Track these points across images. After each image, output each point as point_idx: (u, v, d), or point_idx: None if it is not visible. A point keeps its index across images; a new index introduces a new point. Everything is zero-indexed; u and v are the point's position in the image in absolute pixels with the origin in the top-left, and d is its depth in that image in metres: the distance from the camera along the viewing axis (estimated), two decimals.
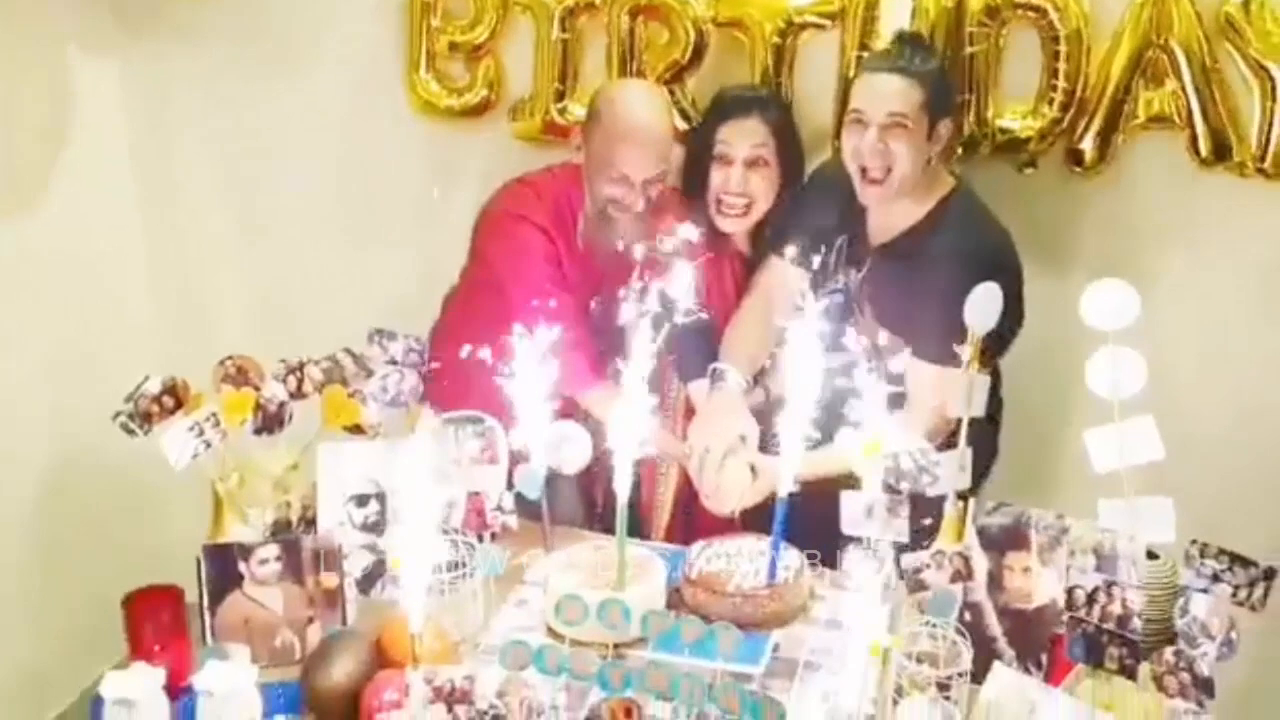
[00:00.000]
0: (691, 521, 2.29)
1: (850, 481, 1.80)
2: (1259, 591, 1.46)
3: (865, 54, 2.30)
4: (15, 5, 2.38)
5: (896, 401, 1.79)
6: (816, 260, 2.11)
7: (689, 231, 1.86)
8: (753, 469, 2.09)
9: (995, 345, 1.94)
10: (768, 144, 2.27)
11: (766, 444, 2.08)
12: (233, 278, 2.85)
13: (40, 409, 2.59)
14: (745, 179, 2.28)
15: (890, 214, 2.15)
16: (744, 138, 2.26)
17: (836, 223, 2.19)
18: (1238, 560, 1.47)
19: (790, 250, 2.12)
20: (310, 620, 1.81)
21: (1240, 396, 2.28)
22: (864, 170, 2.10)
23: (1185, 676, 1.46)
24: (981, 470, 1.98)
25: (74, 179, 2.61)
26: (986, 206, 2.16)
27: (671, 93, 2.45)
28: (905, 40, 2.17)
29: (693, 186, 2.34)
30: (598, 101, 2.28)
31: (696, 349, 2.24)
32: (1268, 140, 2.19)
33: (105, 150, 2.70)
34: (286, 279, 2.79)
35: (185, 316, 2.79)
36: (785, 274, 2.21)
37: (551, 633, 1.78)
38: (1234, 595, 1.47)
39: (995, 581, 1.75)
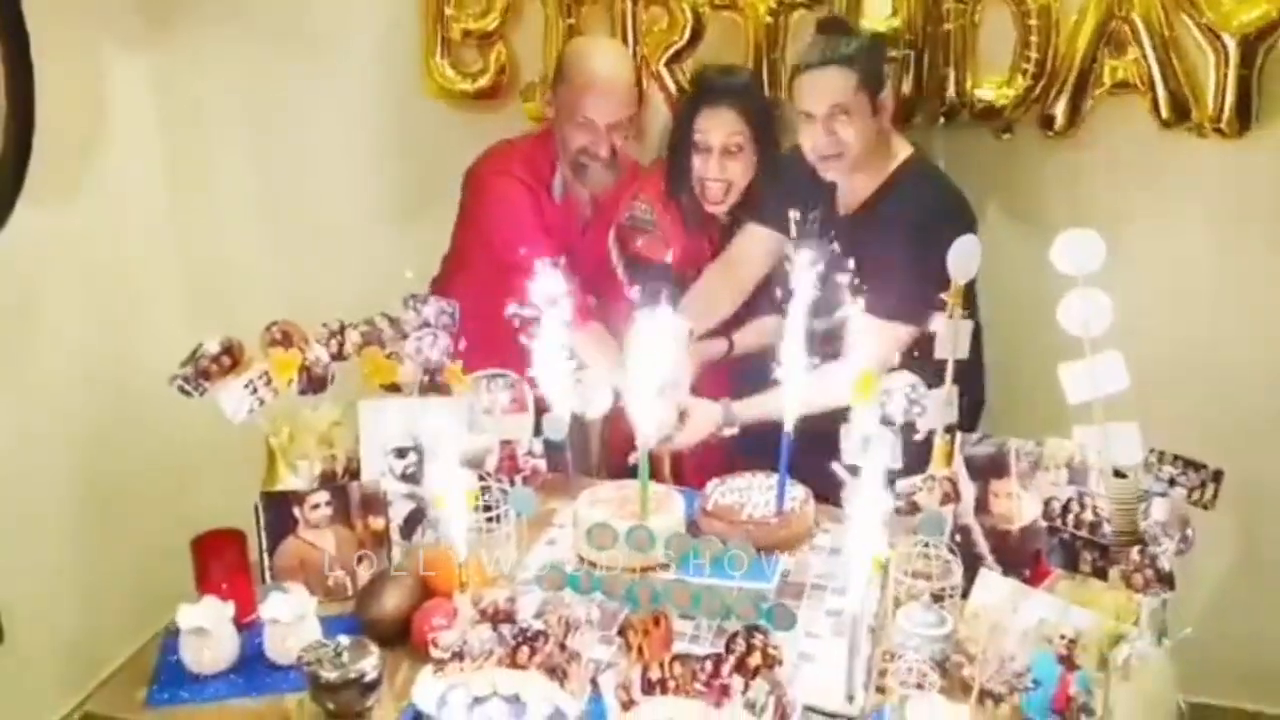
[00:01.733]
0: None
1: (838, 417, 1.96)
2: (1209, 492, 1.65)
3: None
4: (52, 5, 2.52)
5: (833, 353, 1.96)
6: (793, 227, 2.28)
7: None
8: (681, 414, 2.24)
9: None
10: (742, 132, 2.41)
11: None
12: (259, 258, 3.02)
13: (78, 385, 2.77)
14: (722, 165, 2.43)
15: (853, 186, 2.33)
16: (720, 127, 2.41)
17: (808, 195, 2.36)
18: (1190, 465, 1.66)
19: (766, 218, 2.33)
20: (360, 560, 1.97)
21: (1197, 328, 2.47)
22: (822, 156, 2.28)
23: (1150, 573, 1.64)
24: (972, 415, 2.17)
25: (109, 168, 2.79)
26: (941, 171, 2.33)
27: (671, 72, 2.63)
28: (826, 28, 2.33)
29: (677, 169, 2.50)
30: (562, 58, 2.49)
31: (663, 297, 2.37)
32: (1222, 102, 2.36)
33: (137, 139, 2.88)
34: (311, 258, 2.95)
35: (214, 296, 2.97)
36: (762, 239, 2.39)
37: (582, 561, 1.96)
38: (1188, 497, 1.65)
39: (982, 506, 1.92)
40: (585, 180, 2.48)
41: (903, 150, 2.33)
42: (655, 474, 2.37)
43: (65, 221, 2.68)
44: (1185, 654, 1.64)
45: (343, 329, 2.11)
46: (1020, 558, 1.88)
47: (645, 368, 1.89)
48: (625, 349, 2.31)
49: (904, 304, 2.03)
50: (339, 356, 2.11)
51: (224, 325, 2.04)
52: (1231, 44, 2.33)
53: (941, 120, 2.54)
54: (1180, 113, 2.41)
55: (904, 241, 2.04)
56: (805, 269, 1.90)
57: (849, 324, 1.87)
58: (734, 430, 2.27)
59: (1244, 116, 2.37)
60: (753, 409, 2.21)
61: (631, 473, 2.05)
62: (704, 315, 2.41)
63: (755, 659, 1.61)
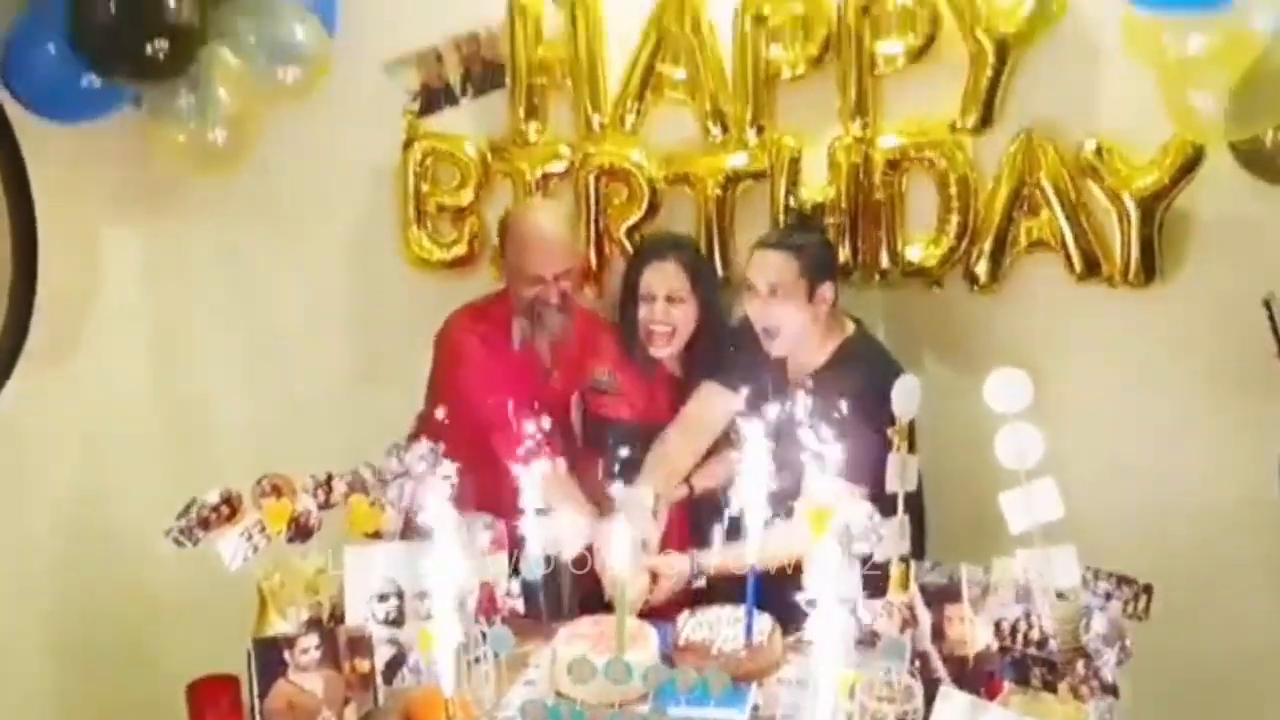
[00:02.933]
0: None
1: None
2: (1142, 604, 1.80)
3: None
4: (59, 186, 2.73)
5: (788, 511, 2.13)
6: (746, 390, 2.48)
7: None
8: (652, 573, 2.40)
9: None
10: (683, 283, 2.66)
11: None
12: (240, 421, 3.14)
13: (65, 541, 2.85)
14: (666, 311, 2.66)
15: (799, 358, 2.56)
16: (662, 280, 2.66)
17: (763, 360, 2.58)
18: (1124, 580, 1.82)
19: (723, 378, 2.57)
20: (347, 701, 2.04)
21: (1117, 458, 2.67)
22: (761, 328, 2.53)
23: (1095, 683, 1.78)
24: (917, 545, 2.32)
25: (100, 335, 2.94)
26: (877, 345, 2.57)
27: (630, 239, 2.86)
28: (792, 219, 2.68)
29: (625, 320, 2.73)
30: (506, 223, 2.74)
31: (632, 455, 2.54)
32: (1128, 257, 2.62)
33: (128, 308, 3.04)
34: (289, 421, 3.06)
35: (196, 456, 3.05)
36: (719, 398, 2.60)
37: (561, 696, 2.04)
38: (1124, 609, 1.80)
39: (938, 632, 2.04)
40: (542, 328, 2.69)
41: (848, 327, 2.58)
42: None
43: (58, 383, 2.81)
44: None
45: (329, 480, 2.23)
46: (975, 680, 1.98)
47: (620, 536, 2.05)
48: (587, 495, 2.53)
49: (855, 469, 2.15)
50: (326, 506, 2.22)
51: (205, 484, 2.13)
52: (1132, 205, 2.59)
53: (877, 278, 2.78)
54: (1091, 267, 2.65)
55: (851, 411, 2.22)
56: (756, 438, 2.08)
57: (810, 486, 2.03)
58: (702, 582, 2.42)
59: (1149, 270, 2.62)
60: (718, 558, 2.35)
61: (604, 607, 2.17)
62: (668, 478, 2.59)
63: None
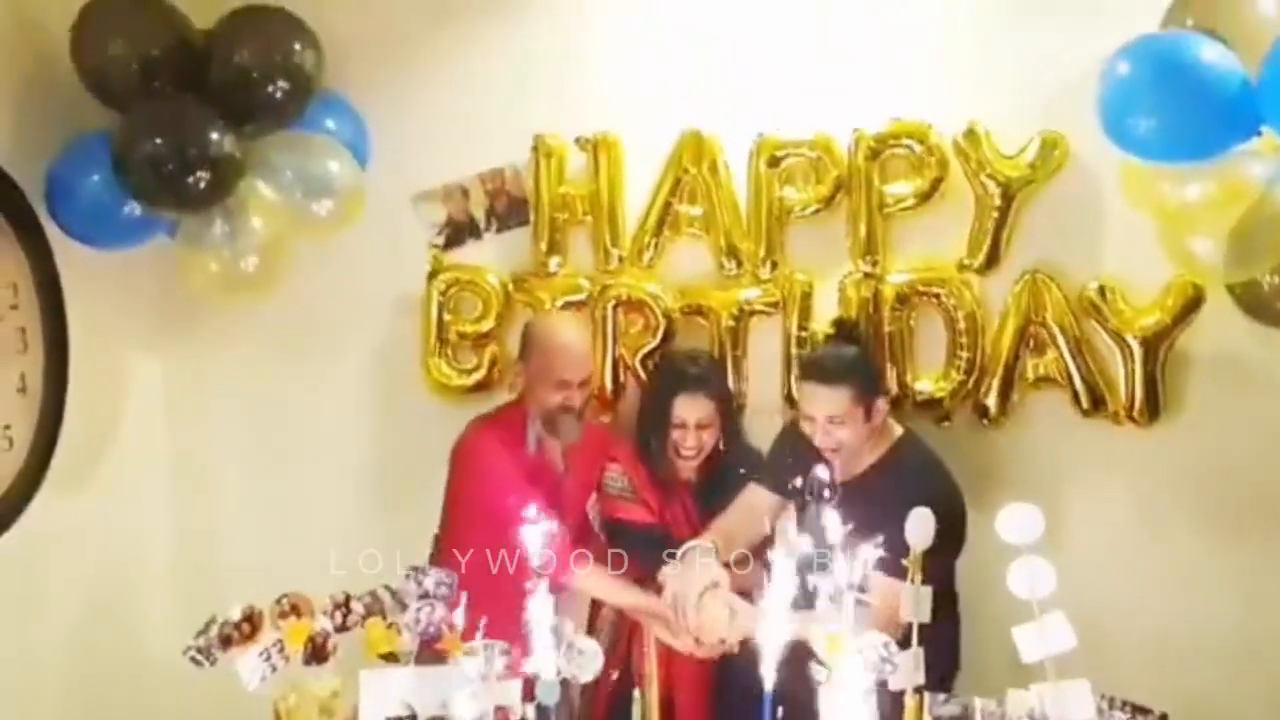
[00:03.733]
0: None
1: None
2: None
3: (801, 350, 2.83)
4: (91, 311, 2.81)
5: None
6: (793, 493, 2.51)
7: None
8: (730, 609, 2.44)
9: (949, 551, 2.35)
10: (711, 412, 2.76)
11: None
12: (255, 548, 3.14)
13: (77, 668, 2.84)
14: (698, 437, 2.76)
15: (849, 461, 2.58)
16: (694, 411, 2.75)
17: (807, 465, 2.60)
18: (1139, 710, 1.82)
19: (770, 482, 2.63)
20: None
21: (1125, 586, 2.70)
22: (824, 449, 2.56)
23: None
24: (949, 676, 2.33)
25: (119, 462, 2.99)
26: (929, 447, 2.61)
27: (644, 365, 2.94)
28: (838, 330, 2.72)
29: (648, 440, 2.81)
30: (528, 334, 2.83)
31: (657, 554, 2.66)
32: (1133, 394, 2.69)
33: (148, 435, 3.10)
34: (305, 552, 2.99)
35: (208, 585, 3.05)
36: (765, 499, 2.64)
37: None
38: None
39: None
40: (559, 432, 2.75)
41: (896, 430, 2.62)
42: None
43: (79, 507, 2.84)
44: None
45: (348, 600, 2.24)
46: None
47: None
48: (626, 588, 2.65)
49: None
50: (343, 628, 2.22)
51: (222, 608, 2.13)
52: (1135, 344, 2.68)
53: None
54: (1097, 404, 2.72)
55: (900, 507, 2.26)
56: (791, 534, 2.12)
57: (869, 581, 2.05)
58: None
59: (1152, 407, 2.69)
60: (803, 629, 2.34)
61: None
62: (723, 547, 2.61)
63: None
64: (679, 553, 2.60)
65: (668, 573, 2.61)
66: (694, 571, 2.54)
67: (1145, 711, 1.82)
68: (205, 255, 2.79)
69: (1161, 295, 2.67)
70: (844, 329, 2.74)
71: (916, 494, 2.42)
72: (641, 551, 2.75)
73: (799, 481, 2.54)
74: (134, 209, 2.68)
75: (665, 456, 2.80)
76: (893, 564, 2.24)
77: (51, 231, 2.68)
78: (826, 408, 2.53)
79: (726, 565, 2.63)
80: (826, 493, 2.49)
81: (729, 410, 2.82)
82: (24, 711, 2.68)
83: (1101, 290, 2.70)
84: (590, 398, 2.80)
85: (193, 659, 2.10)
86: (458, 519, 2.80)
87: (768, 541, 2.63)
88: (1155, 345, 2.67)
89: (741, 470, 2.78)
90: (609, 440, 2.92)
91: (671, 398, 2.76)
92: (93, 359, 2.83)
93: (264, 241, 2.79)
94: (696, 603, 2.50)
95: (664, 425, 2.77)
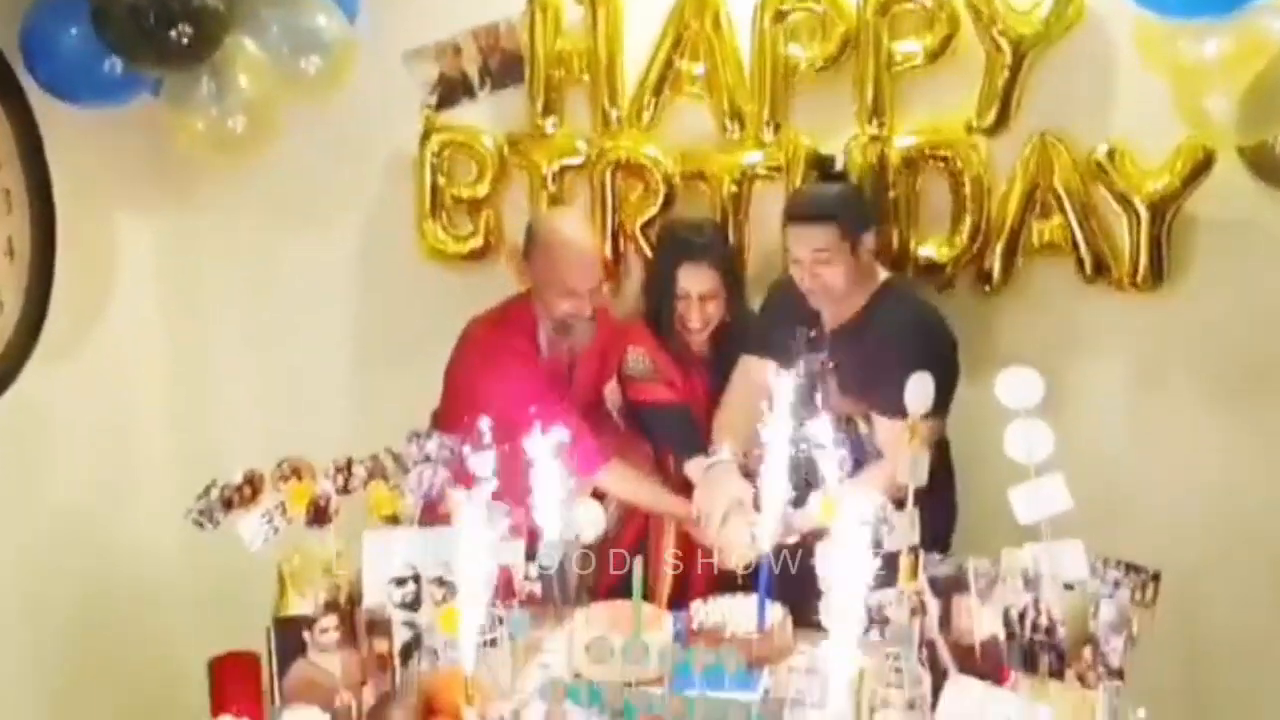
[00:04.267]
0: (688, 586, 2.62)
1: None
2: (1150, 592, 1.83)
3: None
4: (76, 176, 2.76)
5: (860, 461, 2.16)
6: (784, 351, 2.51)
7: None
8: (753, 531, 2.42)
9: (944, 390, 2.34)
10: (716, 283, 2.70)
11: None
12: (251, 409, 3.16)
13: (76, 529, 2.87)
14: (702, 308, 2.71)
15: (838, 307, 2.58)
16: (698, 282, 2.69)
17: (797, 320, 2.61)
18: (1132, 568, 1.85)
19: (757, 350, 2.59)
20: (364, 682, 2.07)
21: (1124, 452, 2.74)
22: (809, 290, 2.55)
23: (1101, 669, 1.82)
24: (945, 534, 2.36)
25: (113, 327, 2.97)
26: (915, 290, 2.60)
27: (645, 235, 2.89)
28: (821, 175, 2.65)
29: (657, 313, 2.76)
30: (534, 232, 2.70)
31: (684, 433, 2.65)
32: (1137, 260, 2.67)
33: (141, 299, 3.07)
34: (300, 415, 3.08)
35: (204, 449, 3.07)
36: (760, 368, 2.61)
37: (578, 677, 2.07)
38: (1132, 597, 1.84)
39: (945, 622, 2.07)
40: (570, 337, 2.69)
41: (881, 273, 2.60)
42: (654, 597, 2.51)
43: (73, 373, 2.83)
44: None
45: (349, 464, 2.25)
46: (982, 668, 2.02)
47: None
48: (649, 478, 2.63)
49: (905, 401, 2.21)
50: (345, 491, 2.24)
51: (216, 473, 2.14)
52: (1142, 208, 2.64)
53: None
54: (1100, 269, 2.70)
55: (896, 349, 2.26)
56: (787, 392, 2.11)
57: (876, 430, 2.06)
58: (796, 539, 2.40)
59: (1157, 273, 2.66)
60: (809, 520, 2.35)
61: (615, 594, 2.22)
62: (738, 442, 2.57)
63: None
64: (706, 463, 2.55)
65: (694, 475, 2.57)
66: (718, 488, 2.51)
67: (1138, 570, 1.84)
68: (192, 114, 2.70)
69: (1171, 158, 2.61)
70: (826, 167, 2.67)
71: (907, 333, 2.43)
72: (665, 432, 2.73)
73: (790, 338, 2.55)
74: (115, 65, 2.60)
75: (674, 331, 2.75)
76: (891, 407, 2.26)
77: (32, 90, 2.60)
78: (812, 243, 2.49)
79: (745, 467, 2.60)
80: (813, 336, 2.50)
81: (733, 281, 2.75)
82: (22, 579, 2.72)
83: (1110, 153, 2.64)
84: (602, 301, 2.73)
85: (195, 521, 2.12)
86: (456, 413, 2.66)
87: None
88: (1162, 209, 2.63)
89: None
90: (620, 325, 2.84)
91: (674, 269, 2.70)
92: (80, 221, 2.79)
93: (252, 100, 2.70)
94: (720, 524, 2.47)
95: (669, 298, 2.72)
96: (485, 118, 2.97)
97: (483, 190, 2.96)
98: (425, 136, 2.96)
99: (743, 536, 2.42)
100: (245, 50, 2.65)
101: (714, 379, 2.78)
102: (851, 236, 2.50)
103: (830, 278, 2.51)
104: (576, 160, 2.91)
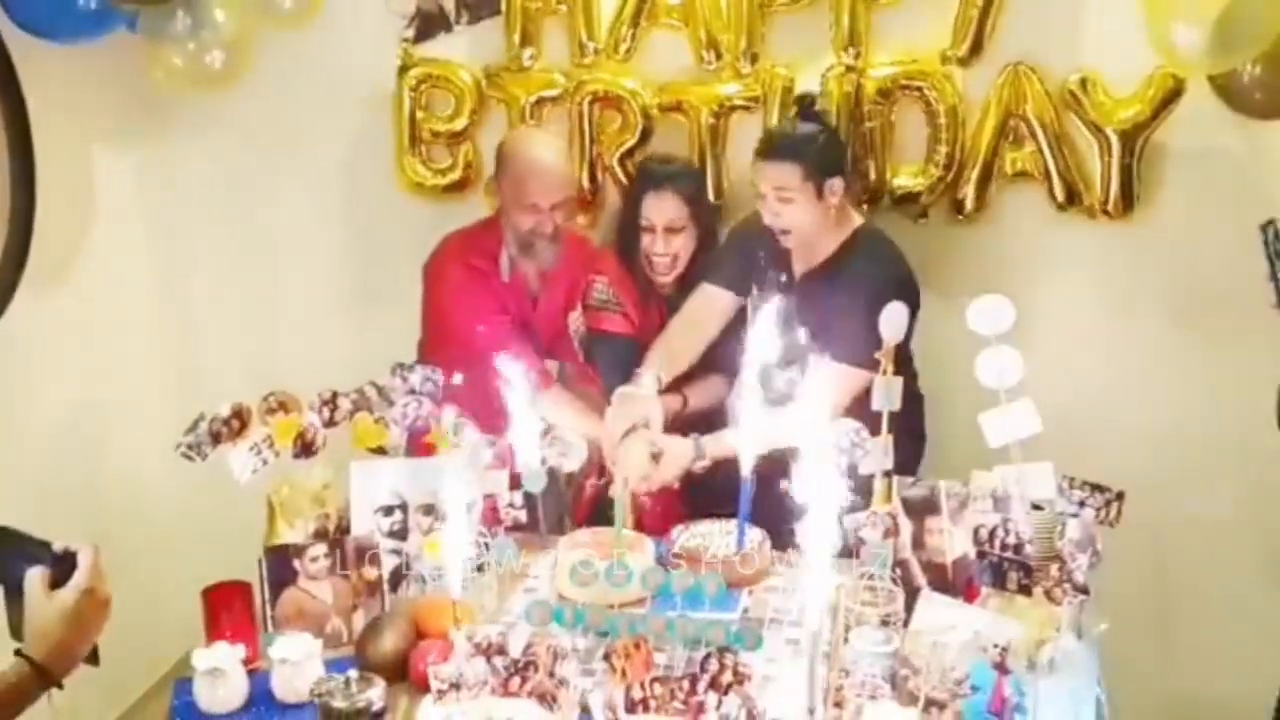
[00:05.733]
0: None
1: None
2: (1114, 511, 1.91)
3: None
4: (52, 111, 2.74)
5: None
6: (745, 285, 2.55)
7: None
8: (655, 454, 2.48)
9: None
10: (682, 212, 2.72)
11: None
12: (233, 341, 3.19)
13: (70, 455, 2.91)
14: (667, 241, 2.72)
15: (809, 251, 2.61)
16: (662, 211, 2.71)
17: (765, 257, 2.63)
18: (1096, 488, 1.92)
19: (719, 279, 2.61)
20: (355, 608, 2.13)
21: (1092, 377, 2.80)
22: (777, 230, 2.57)
23: (1068, 586, 1.89)
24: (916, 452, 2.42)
25: (97, 256, 2.97)
26: (887, 239, 2.62)
27: (623, 166, 2.90)
28: (799, 113, 2.64)
29: (627, 248, 2.79)
30: (503, 149, 2.74)
31: (627, 366, 2.65)
32: (1108, 188, 2.71)
33: (124, 230, 3.07)
34: (286, 342, 3.11)
35: (193, 375, 3.11)
36: (718, 298, 2.65)
37: (563, 599, 2.13)
38: (1096, 516, 1.91)
39: (918, 542, 2.14)
40: (533, 257, 2.74)
41: (856, 219, 2.63)
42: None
43: (58, 302, 2.85)
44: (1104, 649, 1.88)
45: (334, 397, 2.29)
46: (954, 587, 2.10)
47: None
48: (592, 407, 2.60)
49: (860, 352, 2.27)
50: (331, 423, 2.28)
51: (201, 403, 2.19)
52: (1114, 137, 2.67)
53: (865, 206, 2.85)
54: (1072, 198, 2.74)
55: (859, 298, 2.30)
56: (763, 320, 2.15)
57: (809, 369, 2.10)
58: (705, 464, 2.49)
59: (1127, 200, 2.71)
60: (721, 444, 2.45)
61: (597, 522, 2.27)
62: (667, 368, 2.63)
63: (727, 677, 1.81)
64: (623, 389, 2.56)
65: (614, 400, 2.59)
66: (625, 408, 2.51)
67: (1102, 490, 1.91)
68: (168, 49, 2.70)
69: (1142, 87, 2.64)
70: (806, 108, 2.66)
71: (874, 283, 2.45)
72: (613, 364, 2.75)
73: (753, 273, 2.58)
74: (90, 1, 2.58)
75: (640, 265, 2.77)
76: (853, 354, 2.30)
77: (6, 26, 2.58)
78: (774, 180, 2.51)
79: (677, 390, 2.66)
80: (782, 280, 2.52)
81: (703, 215, 2.76)
82: (11, 505, 2.75)
83: (1083, 82, 2.68)
84: (568, 218, 2.75)
85: (184, 454, 2.16)
86: (433, 338, 2.82)
87: (719, 345, 2.68)
88: (1133, 138, 2.67)
89: None
90: (593, 254, 2.88)
91: (640, 200, 2.73)
92: (60, 155, 2.78)
93: (229, 35, 2.69)
94: (619, 443, 2.48)
95: (635, 231, 2.74)
96: (462, 51, 2.96)
97: (461, 123, 2.97)
98: (403, 70, 2.96)
99: (640, 456, 2.45)
100: None
101: (671, 315, 2.78)
102: (815, 179, 2.50)
103: (791, 216, 2.52)
104: (554, 92, 2.91)
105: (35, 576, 1.44)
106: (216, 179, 3.12)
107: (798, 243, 2.59)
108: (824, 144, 2.56)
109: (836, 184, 2.54)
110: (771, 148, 2.56)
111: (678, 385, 2.68)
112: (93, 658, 1.49)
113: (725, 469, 2.30)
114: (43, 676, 1.42)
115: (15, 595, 1.46)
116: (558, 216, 2.68)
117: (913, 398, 2.56)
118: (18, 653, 1.45)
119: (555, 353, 2.82)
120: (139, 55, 2.74)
